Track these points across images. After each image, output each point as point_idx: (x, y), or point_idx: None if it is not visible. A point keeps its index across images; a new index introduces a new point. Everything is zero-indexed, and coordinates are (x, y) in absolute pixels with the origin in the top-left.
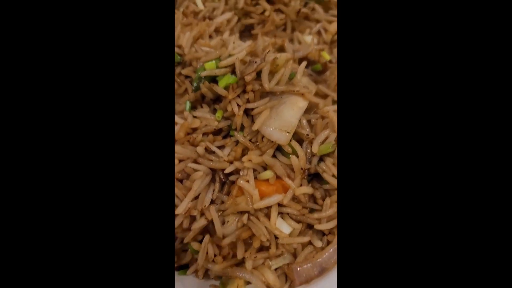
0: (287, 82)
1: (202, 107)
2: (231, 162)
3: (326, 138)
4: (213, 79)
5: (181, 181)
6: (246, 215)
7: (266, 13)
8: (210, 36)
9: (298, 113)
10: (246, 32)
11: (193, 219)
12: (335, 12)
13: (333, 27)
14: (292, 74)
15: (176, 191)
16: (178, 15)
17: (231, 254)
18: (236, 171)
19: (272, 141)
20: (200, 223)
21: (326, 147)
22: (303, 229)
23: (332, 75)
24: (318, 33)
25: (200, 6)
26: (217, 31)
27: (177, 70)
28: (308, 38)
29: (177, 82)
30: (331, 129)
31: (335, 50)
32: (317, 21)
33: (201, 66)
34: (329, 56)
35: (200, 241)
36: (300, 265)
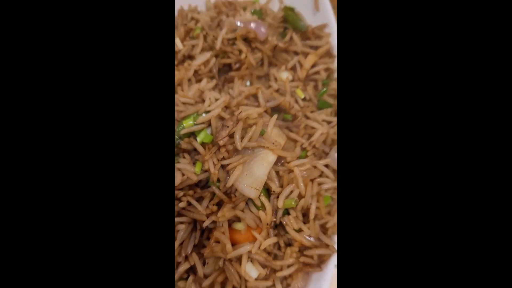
0: (258, 137)
1: (184, 157)
2: (210, 214)
3: (291, 193)
4: (193, 132)
5: None
6: (222, 260)
7: (242, 56)
8: (190, 80)
9: (267, 168)
10: (226, 67)
11: (178, 263)
12: (313, 42)
13: (308, 62)
14: (263, 131)
15: None
16: None
17: None
18: (213, 223)
19: (245, 195)
20: (185, 267)
21: (289, 202)
22: (268, 273)
23: (303, 122)
24: (294, 68)
25: (179, 45)
26: (197, 73)
27: None
28: (283, 75)
29: None
30: (295, 184)
31: (309, 87)
32: (295, 53)
33: (181, 123)
34: (303, 94)
35: (186, 278)
36: None
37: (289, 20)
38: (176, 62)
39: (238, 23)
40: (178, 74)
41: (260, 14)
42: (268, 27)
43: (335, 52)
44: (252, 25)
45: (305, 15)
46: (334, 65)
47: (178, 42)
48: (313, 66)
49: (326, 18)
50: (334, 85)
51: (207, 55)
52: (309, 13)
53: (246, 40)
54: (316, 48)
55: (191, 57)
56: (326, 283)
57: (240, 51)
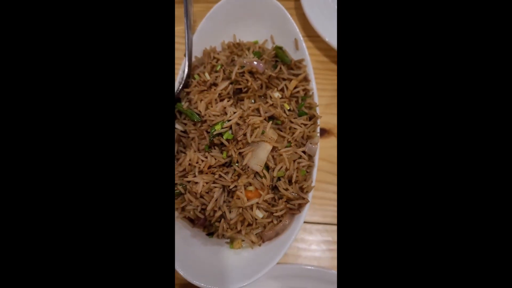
0: (260, 135)
1: (215, 148)
2: (233, 181)
3: (281, 168)
4: (220, 133)
5: (208, 192)
6: (241, 208)
7: (249, 83)
8: (216, 100)
9: (266, 153)
10: (238, 90)
11: (214, 211)
12: (294, 71)
13: (292, 85)
14: (263, 131)
15: (206, 199)
16: (195, 83)
17: (234, 227)
18: (235, 186)
19: (253, 170)
20: (218, 213)
21: (280, 173)
22: (268, 215)
23: (288, 125)
24: (282, 90)
25: (208, 77)
26: (220, 95)
27: (199, 125)
28: (276, 95)
29: (199, 131)
30: (283, 163)
31: (292, 102)
32: (283, 79)
33: (213, 127)
34: (288, 106)
35: (219, 221)
36: (267, 232)
37: (278, 56)
38: (205, 88)
39: (245, 61)
40: (209, 96)
41: (259, 54)
42: (264, 63)
43: (310, 77)
44: (254, 63)
45: (289, 52)
46: (309, 86)
47: (207, 75)
48: (295, 88)
49: (303, 55)
50: (309, 100)
51: (226, 83)
52: (292, 51)
53: (251, 72)
54: (297, 75)
55: (215, 85)
56: (302, 220)
57: (247, 80)
